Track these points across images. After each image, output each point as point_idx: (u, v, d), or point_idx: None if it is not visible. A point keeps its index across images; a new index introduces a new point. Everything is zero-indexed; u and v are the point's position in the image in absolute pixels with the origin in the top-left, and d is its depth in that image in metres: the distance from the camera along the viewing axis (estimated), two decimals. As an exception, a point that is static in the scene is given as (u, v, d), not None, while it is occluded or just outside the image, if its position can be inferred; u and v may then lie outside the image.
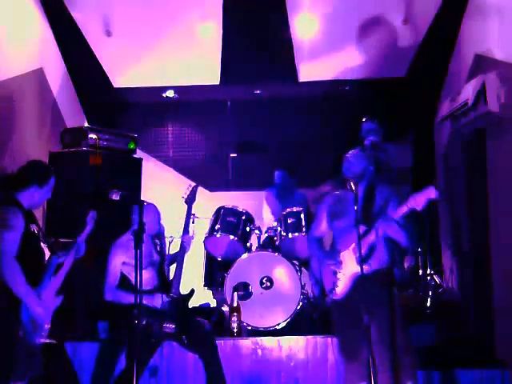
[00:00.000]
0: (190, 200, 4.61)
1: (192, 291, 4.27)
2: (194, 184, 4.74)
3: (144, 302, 3.90)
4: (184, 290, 4.26)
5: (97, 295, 4.76)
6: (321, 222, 3.94)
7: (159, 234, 4.41)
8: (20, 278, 3.28)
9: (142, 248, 3.90)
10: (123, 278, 4.14)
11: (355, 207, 3.46)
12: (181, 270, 4.24)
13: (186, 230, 4.46)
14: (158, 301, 4.06)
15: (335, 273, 3.70)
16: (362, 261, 3.43)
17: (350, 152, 3.90)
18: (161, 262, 4.31)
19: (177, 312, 4.09)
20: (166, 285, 4.21)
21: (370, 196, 3.78)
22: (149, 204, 4.28)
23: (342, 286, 3.68)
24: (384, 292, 3.63)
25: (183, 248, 4.34)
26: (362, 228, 3.56)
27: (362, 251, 3.47)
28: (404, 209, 3.47)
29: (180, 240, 4.41)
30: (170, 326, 4.03)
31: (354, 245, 3.59)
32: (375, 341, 3.41)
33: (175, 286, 4.16)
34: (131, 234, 3.67)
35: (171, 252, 4.59)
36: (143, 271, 3.91)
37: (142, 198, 4.82)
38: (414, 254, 5.79)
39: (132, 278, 3.90)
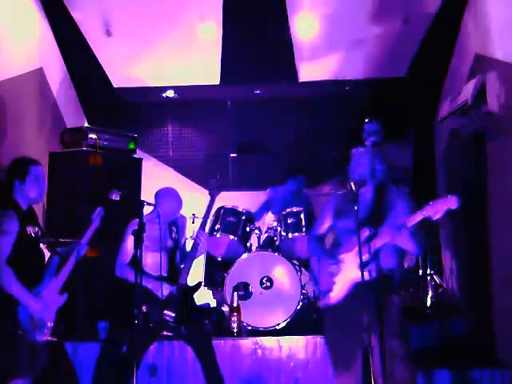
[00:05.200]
0: (214, 192, 4.46)
1: (199, 284, 4.24)
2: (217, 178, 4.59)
3: (149, 286, 3.94)
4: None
5: (98, 294, 4.80)
6: (324, 220, 3.76)
7: (176, 222, 4.37)
8: (12, 279, 3.33)
9: (157, 233, 4.01)
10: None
11: (355, 207, 3.32)
12: (191, 263, 4.21)
13: (203, 224, 4.34)
14: (160, 289, 4.04)
15: (333, 275, 3.50)
16: (362, 266, 3.25)
17: (357, 150, 3.70)
18: (174, 248, 4.28)
19: (179, 302, 4.07)
20: (175, 272, 4.17)
21: (380, 197, 3.57)
22: (171, 189, 4.32)
23: (338, 290, 3.47)
24: (383, 300, 3.38)
25: (196, 246, 4.21)
26: (366, 231, 3.38)
27: (366, 256, 3.30)
28: (418, 217, 3.25)
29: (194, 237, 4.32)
30: (169, 315, 4.01)
31: (357, 248, 3.35)
32: (375, 350, 3.29)
33: (183, 277, 4.13)
34: (133, 233, 3.67)
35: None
36: (155, 254, 4.01)
37: (142, 198, 4.82)
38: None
39: (142, 260, 3.80)
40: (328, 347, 3.64)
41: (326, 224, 3.75)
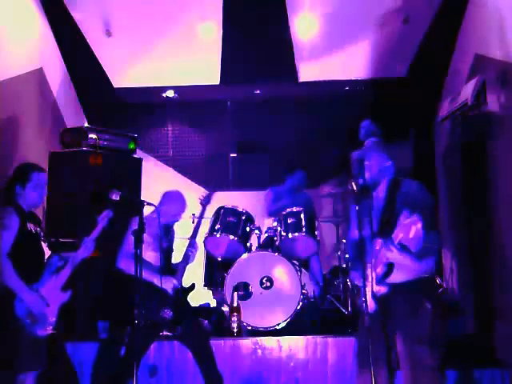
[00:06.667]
0: (206, 202, 4.64)
1: (193, 285, 4.27)
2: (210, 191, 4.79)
3: (154, 280, 3.95)
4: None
5: (98, 294, 4.79)
6: (352, 227, 3.51)
7: (171, 230, 4.40)
8: (11, 273, 3.38)
9: (157, 231, 4.01)
10: None
11: (356, 207, 3.21)
12: (184, 269, 4.25)
13: (195, 234, 4.45)
14: (169, 285, 4.06)
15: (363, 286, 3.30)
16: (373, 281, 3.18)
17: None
18: (168, 250, 4.30)
19: (177, 301, 4.08)
20: (170, 272, 4.19)
21: (393, 196, 3.36)
22: (180, 193, 4.37)
23: (370, 300, 3.27)
24: (415, 304, 3.27)
25: (187, 257, 4.28)
26: (380, 242, 3.21)
27: (380, 270, 3.20)
28: (398, 235, 3.08)
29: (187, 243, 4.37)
30: (167, 312, 4.02)
31: (373, 260, 3.22)
32: (401, 356, 3.22)
33: (178, 278, 4.16)
34: (132, 233, 3.67)
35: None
36: (152, 253, 4.04)
37: (142, 198, 4.82)
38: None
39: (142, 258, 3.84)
40: (357, 346, 3.44)
41: (355, 230, 3.44)
